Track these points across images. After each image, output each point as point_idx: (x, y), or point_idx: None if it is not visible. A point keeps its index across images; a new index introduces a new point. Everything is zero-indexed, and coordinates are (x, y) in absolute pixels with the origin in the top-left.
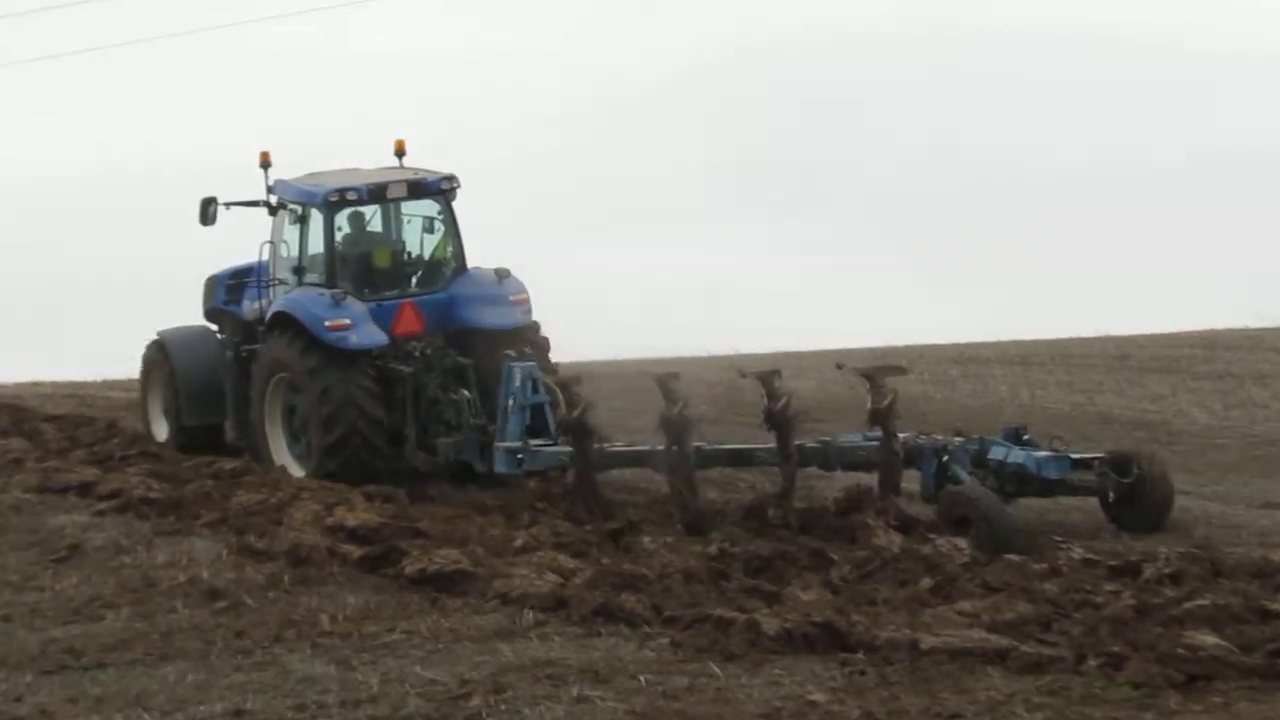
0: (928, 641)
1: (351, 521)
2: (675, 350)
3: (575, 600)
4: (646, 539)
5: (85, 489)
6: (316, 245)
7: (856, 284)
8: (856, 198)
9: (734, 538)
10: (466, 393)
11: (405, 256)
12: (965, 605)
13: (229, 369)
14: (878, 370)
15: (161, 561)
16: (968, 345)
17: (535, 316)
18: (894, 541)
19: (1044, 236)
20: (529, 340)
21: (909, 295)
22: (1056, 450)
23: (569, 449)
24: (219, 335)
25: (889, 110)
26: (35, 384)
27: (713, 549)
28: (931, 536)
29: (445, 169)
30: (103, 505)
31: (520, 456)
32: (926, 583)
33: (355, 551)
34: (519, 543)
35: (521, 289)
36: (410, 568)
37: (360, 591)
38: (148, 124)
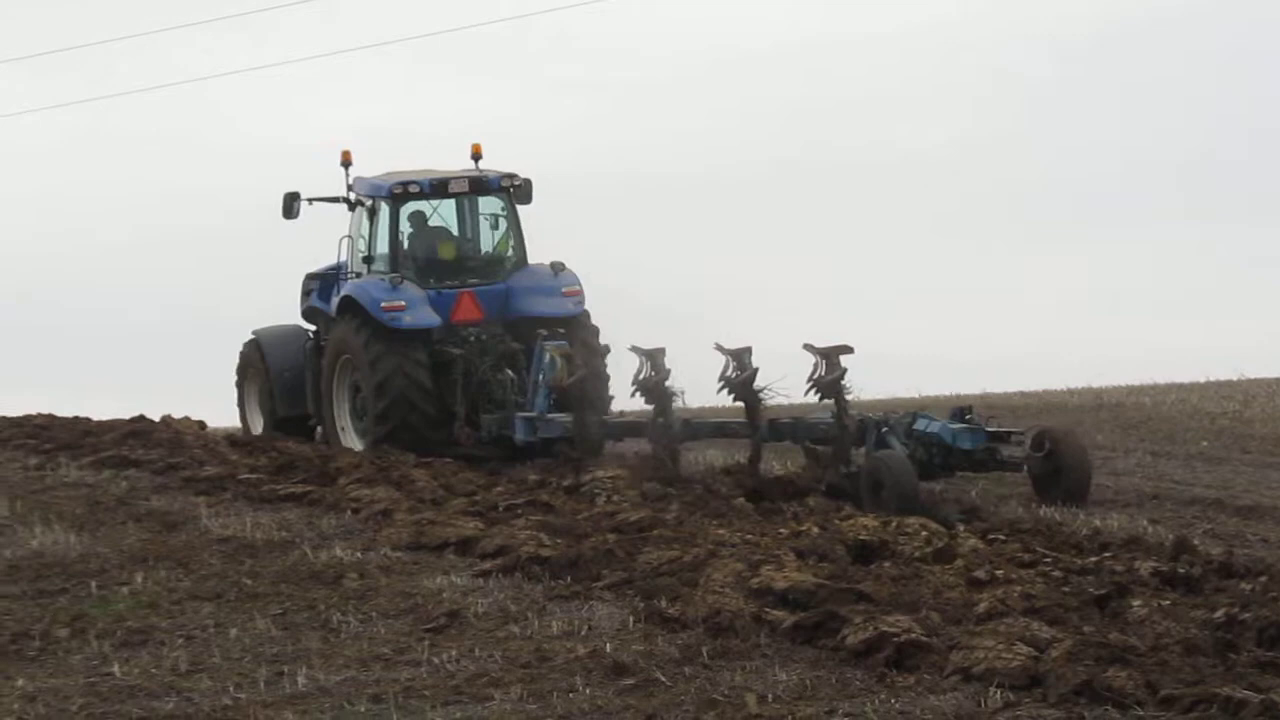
0: None
1: (781, 583)
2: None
3: (1052, 677)
4: (1137, 603)
5: (465, 545)
6: (383, 236)
7: None
8: None
9: (1243, 600)
10: (512, 373)
11: (468, 250)
12: None
13: (310, 361)
14: (831, 350)
15: (557, 631)
16: None
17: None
18: None
19: None
20: (581, 327)
21: None
22: (973, 424)
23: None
24: (311, 332)
25: None
26: None
27: (1219, 614)
28: None
29: (518, 171)
30: (486, 565)
31: (536, 425)
32: None
33: (786, 619)
34: (983, 607)
35: (575, 282)
36: (853, 638)
37: (793, 666)
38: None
